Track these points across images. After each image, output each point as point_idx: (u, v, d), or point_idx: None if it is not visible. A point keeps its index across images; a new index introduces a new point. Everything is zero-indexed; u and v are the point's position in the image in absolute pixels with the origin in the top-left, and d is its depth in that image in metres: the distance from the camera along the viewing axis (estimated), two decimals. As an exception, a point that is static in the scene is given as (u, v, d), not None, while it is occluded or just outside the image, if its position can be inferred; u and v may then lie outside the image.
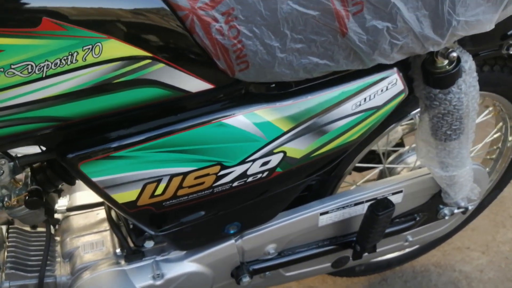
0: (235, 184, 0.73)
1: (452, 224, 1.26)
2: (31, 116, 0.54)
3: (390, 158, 1.26)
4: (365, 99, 0.74)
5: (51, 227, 0.92)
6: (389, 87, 0.75)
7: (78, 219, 0.98)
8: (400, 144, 1.32)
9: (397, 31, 0.66)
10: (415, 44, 0.68)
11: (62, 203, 0.99)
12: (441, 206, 1.13)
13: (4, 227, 0.95)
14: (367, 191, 1.03)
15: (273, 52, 0.64)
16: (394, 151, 1.28)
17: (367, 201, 1.02)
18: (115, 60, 0.55)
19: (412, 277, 1.53)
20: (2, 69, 0.49)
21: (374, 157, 1.26)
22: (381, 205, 0.94)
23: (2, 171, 0.66)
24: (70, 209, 0.97)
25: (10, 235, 0.91)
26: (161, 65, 0.59)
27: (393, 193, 1.04)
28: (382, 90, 0.75)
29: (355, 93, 0.74)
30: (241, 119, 0.69)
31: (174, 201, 0.71)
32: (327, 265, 1.13)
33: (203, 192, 0.72)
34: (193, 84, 0.63)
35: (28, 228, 0.95)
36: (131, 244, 0.89)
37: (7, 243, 0.90)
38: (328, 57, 0.67)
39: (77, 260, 0.90)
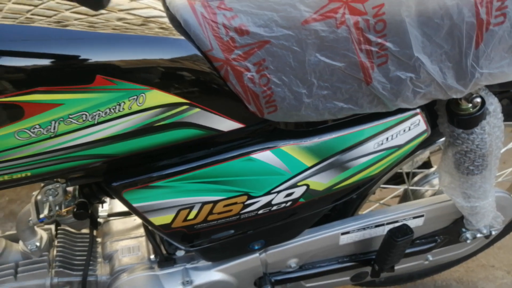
0: (261, 211, 0.79)
1: (474, 246, 1.28)
2: (84, 154, 0.62)
3: (416, 179, 1.28)
4: (387, 138, 0.78)
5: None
6: (411, 127, 0.79)
7: (117, 224, 1.08)
8: (427, 163, 1.34)
9: (420, 81, 0.69)
10: (438, 92, 0.71)
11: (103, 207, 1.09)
12: (463, 230, 1.15)
13: (52, 227, 1.06)
14: (388, 214, 1.06)
15: (300, 97, 0.69)
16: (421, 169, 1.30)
17: (387, 223, 1.05)
18: (156, 107, 0.62)
19: (432, 291, 1.55)
20: (62, 119, 0.58)
21: (399, 175, 1.28)
22: (400, 231, 0.98)
23: (57, 193, 0.76)
24: (111, 215, 1.06)
25: (58, 235, 1.01)
26: (197, 109, 0.65)
27: (414, 217, 1.07)
28: (404, 130, 0.79)
29: (378, 133, 0.77)
30: (268, 155, 0.74)
31: (204, 224, 0.78)
32: (346, 279, 1.18)
33: (230, 218, 0.79)
34: (225, 124, 0.69)
35: (73, 230, 1.05)
36: (164, 252, 0.98)
37: (55, 243, 1.01)
38: (353, 102, 0.71)
39: (116, 262, 1.00)
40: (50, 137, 0.58)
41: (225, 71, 0.65)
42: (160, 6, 0.70)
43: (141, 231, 1.05)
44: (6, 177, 0.61)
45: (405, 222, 1.05)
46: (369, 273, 1.13)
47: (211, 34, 0.62)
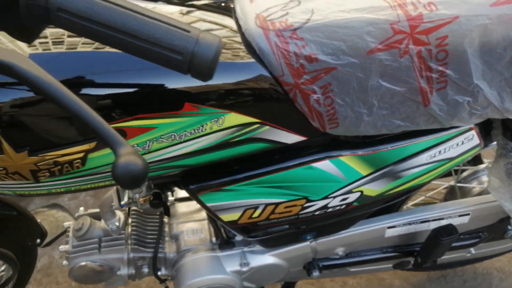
0: (317, 213, 0.88)
1: (519, 242, 1.31)
2: (169, 165, 0.73)
3: (464, 174, 1.31)
4: (440, 151, 0.83)
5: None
6: (464, 141, 0.83)
7: (182, 207, 1.20)
8: (477, 157, 1.36)
9: (477, 104, 0.73)
10: (495, 113, 0.75)
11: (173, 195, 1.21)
12: (509, 228, 1.18)
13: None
14: (434, 211, 1.11)
15: (361, 116, 0.75)
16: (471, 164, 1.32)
17: (433, 220, 1.11)
18: (233, 127, 0.71)
19: (472, 278, 1.59)
20: (155, 139, 0.67)
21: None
22: (445, 231, 1.03)
23: (141, 190, 0.88)
24: (177, 199, 1.19)
25: (132, 215, 1.15)
26: (267, 127, 0.73)
27: (460, 215, 1.12)
28: (457, 144, 0.83)
29: (431, 146, 0.82)
30: (327, 164, 0.82)
31: (266, 222, 0.88)
32: (388, 266, 1.26)
33: (289, 217, 0.88)
34: (291, 138, 0.77)
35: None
36: (224, 235, 1.09)
37: (130, 221, 1.15)
38: (410, 120, 0.76)
39: (181, 242, 1.12)
40: (144, 153, 0.69)
41: (294, 94, 0.71)
42: (232, 23, 0.76)
43: (204, 214, 1.17)
44: (107, 183, 0.72)
45: (450, 219, 1.11)
46: (411, 264, 1.20)
47: (283, 61, 0.69)
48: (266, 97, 0.71)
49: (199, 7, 0.77)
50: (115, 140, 0.40)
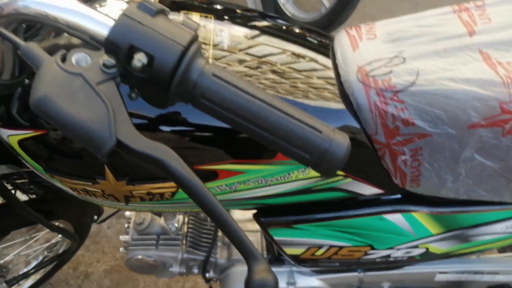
0: (378, 260, 0.88)
1: None
2: (249, 203, 0.75)
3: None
4: (517, 223, 0.81)
5: None
6: (546, 217, 0.80)
7: (237, 215, 1.23)
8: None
9: None
10: None
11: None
12: None
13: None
14: (490, 263, 1.09)
15: (445, 182, 0.74)
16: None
17: (487, 273, 1.09)
18: (317, 177, 0.71)
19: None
20: (243, 182, 0.69)
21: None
22: (501, 290, 1.02)
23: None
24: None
25: (189, 217, 1.19)
26: (349, 179, 0.73)
27: (517, 273, 1.10)
28: (537, 219, 0.80)
29: (510, 218, 0.80)
30: (398, 217, 0.81)
31: (326, 261, 0.90)
32: (430, 304, 1.26)
33: (350, 260, 0.89)
34: (369, 190, 0.77)
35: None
36: (275, 251, 1.12)
37: (187, 221, 1.19)
38: (495, 192, 0.74)
39: (233, 251, 1.16)
40: (230, 192, 0.71)
41: (383, 152, 0.71)
42: (294, 48, 0.72)
43: (257, 226, 1.20)
44: (187, 209, 0.76)
45: (506, 276, 1.09)
46: (455, 308, 1.19)
47: (379, 121, 0.68)
48: (355, 153, 0.71)
49: (268, 31, 0.74)
50: (252, 254, 0.42)
